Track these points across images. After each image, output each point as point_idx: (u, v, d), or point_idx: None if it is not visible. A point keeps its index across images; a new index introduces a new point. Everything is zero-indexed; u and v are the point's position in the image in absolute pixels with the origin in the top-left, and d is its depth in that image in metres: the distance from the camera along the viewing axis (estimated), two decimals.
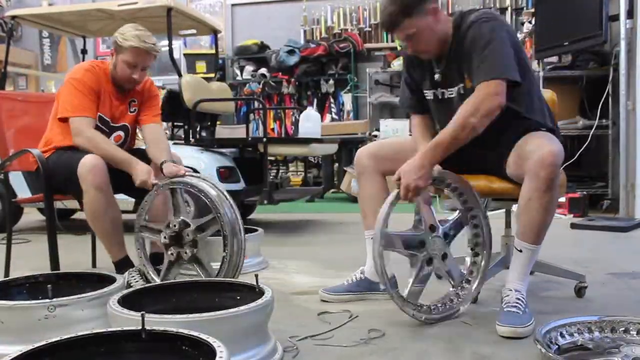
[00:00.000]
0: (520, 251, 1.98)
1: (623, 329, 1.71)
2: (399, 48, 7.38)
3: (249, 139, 4.42)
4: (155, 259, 2.58)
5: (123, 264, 2.41)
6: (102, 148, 2.41)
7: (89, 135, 2.43)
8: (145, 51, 2.49)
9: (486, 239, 2.13)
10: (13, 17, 4.20)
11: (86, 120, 2.45)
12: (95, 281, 1.97)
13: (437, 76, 2.14)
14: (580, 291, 2.31)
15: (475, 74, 1.96)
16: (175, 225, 2.29)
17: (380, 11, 2.09)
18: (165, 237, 2.30)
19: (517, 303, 1.91)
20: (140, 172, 2.37)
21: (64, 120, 2.48)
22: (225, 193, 2.32)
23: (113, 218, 2.40)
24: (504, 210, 2.41)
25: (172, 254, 2.30)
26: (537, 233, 1.95)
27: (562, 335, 1.67)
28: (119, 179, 2.41)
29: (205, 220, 2.27)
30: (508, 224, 2.37)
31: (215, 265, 2.47)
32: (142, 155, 2.60)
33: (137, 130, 2.77)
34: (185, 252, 2.28)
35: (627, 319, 1.72)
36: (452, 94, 2.13)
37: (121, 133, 2.66)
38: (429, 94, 2.21)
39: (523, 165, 1.92)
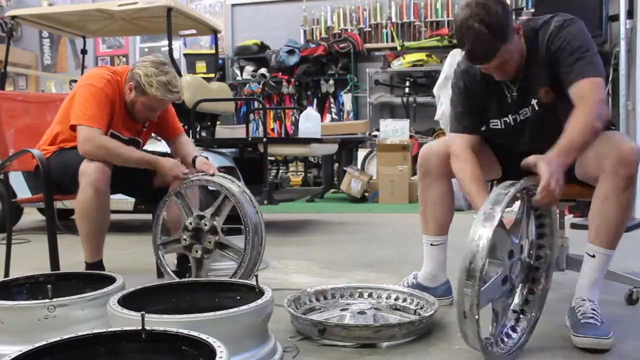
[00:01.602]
0: (593, 256, 1.83)
1: (349, 293, 2.18)
2: (399, 48, 7.38)
3: (249, 139, 4.42)
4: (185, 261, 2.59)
5: (95, 267, 2.39)
6: (119, 153, 2.35)
7: (100, 143, 2.33)
8: (167, 101, 2.46)
9: (551, 250, 1.85)
10: (13, 17, 4.20)
11: (96, 131, 2.36)
12: (95, 281, 1.97)
13: (509, 99, 1.98)
14: (630, 297, 2.18)
15: (577, 70, 1.81)
16: (191, 223, 2.32)
17: (464, 41, 1.80)
18: (185, 239, 2.33)
19: (593, 314, 1.77)
20: (168, 166, 2.36)
21: (73, 127, 2.40)
22: (249, 192, 2.37)
23: (101, 222, 2.37)
24: None
25: (197, 251, 2.32)
26: (613, 236, 1.81)
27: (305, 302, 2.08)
28: (119, 179, 2.41)
29: (217, 205, 2.31)
30: (562, 225, 2.29)
31: (221, 265, 2.49)
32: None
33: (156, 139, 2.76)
34: (209, 242, 2.30)
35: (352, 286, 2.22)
36: (525, 114, 1.98)
37: (131, 147, 2.60)
38: (496, 123, 2.04)
39: (600, 165, 1.79)
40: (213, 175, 2.40)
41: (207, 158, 2.56)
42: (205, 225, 2.30)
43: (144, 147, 2.73)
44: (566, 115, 1.80)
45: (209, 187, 2.48)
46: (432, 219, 2.15)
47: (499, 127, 2.05)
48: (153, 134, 2.74)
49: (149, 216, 3.01)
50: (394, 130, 6.29)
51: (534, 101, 1.95)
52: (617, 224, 1.80)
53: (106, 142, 2.36)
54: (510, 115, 2.01)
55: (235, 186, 2.36)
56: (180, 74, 4.16)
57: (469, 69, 2.03)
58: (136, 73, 2.39)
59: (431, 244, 2.18)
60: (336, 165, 6.87)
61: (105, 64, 8.66)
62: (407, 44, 7.41)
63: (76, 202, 2.34)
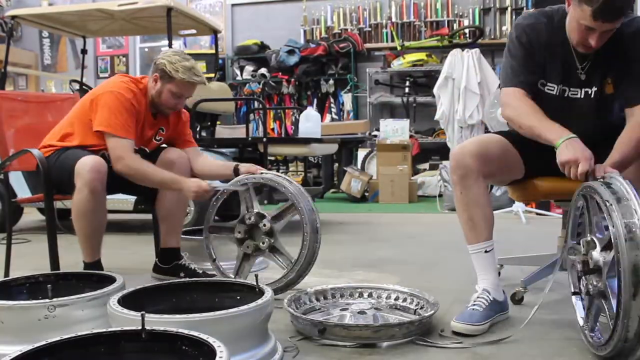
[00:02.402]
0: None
1: (349, 293, 2.19)
2: (399, 48, 7.38)
3: (249, 139, 4.42)
4: (166, 255, 2.60)
5: (93, 267, 2.39)
6: (148, 175, 2.38)
7: (130, 162, 2.37)
8: (194, 85, 2.48)
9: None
10: (13, 17, 4.20)
11: (128, 143, 2.38)
12: (95, 281, 1.97)
13: (579, 71, 1.94)
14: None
15: None
16: (250, 219, 2.34)
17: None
18: (239, 232, 2.35)
19: (477, 302, 1.92)
20: (192, 186, 2.37)
21: (100, 132, 2.41)
22: (303, 189, 2.38)
23: (98, 222, 2.38)
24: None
25: (248, 247, 2.35)
26: None
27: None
28: (118, 179, 2.41)
29: (281, 210, 2.34)
30: (565, 225, 2.30)
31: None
32: (151, 152, 2.61)
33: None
34: (263, 243, 2.32)
35: (352, 286, 2.23)
36: (575, 94, 1.96)
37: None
38: (552, 88, 1.98)
39: None
40: (256, 173, 2.42)
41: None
42: (264, 225, 2.32)
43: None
44: (614, 114, 1.89)
45: (266, 183, 2.45)
46: (481, 221, 1.98)
47: (554, 92, 1.97)
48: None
49: (149, 216, 3.01)
50: (394, 130, 6.29)
51: (594, 88, 1.94)
52: None
53: (135, 163, 2.38)
54: (570, 87, 1.96)
55: (292, 186, 2.37)
56: None
57: (535, 25, 1.96)
58: (160, 63, 2.44)
59: (485, 251, 1.99)
60: (336, 165, 6.87)
61: (106, 64, 8.68)
62: (407, 44, 7.41)
63: (72, 203, 2.35)
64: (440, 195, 5.47)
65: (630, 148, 1.81)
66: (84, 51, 4.78)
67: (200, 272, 2.58)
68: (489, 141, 2.06)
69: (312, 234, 2.27)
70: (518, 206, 4.58)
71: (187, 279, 2.06)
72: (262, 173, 2.42)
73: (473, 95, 5.82)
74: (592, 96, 1.95)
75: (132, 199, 3.13)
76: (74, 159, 2.33)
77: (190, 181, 2.40)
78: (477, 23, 7.45)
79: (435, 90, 6.26)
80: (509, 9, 7.36)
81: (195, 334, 1.26)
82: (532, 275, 2.25)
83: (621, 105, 1.95)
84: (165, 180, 2.41)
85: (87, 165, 2.28)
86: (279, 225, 2.33)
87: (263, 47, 7.83)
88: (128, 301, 1.60)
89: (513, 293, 2.18)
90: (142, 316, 1.29)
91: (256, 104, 6.98)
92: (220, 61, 7.53)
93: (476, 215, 1.98)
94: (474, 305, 1.92)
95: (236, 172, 2.47)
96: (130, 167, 2.37)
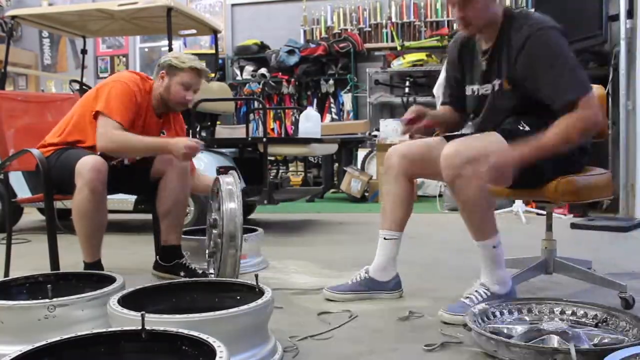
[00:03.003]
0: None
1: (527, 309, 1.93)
2: (399, 48, 7.38)
3: (249, 139, 4.42)
4: (167, 253, 2.61)
5: (93, 267, 2.40)
6: (129, 145, 2.40)
7: (112, 137, 2.38)
8: (201, 72, 2.55)
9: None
10: (13, 17, 4.20)
11: (114, 123, 2.39)
12: (95, 281, 1.97)
13: (481, 67, 2.12)
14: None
15: (569, 90, 1.92)
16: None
17: None
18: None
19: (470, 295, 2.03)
20: (180, 145, 2.37)
21: (95, 115, 2.42)
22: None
23: (98, 222, 2.38)
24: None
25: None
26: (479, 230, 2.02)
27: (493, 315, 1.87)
28: (119, 179, 2.41)
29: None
30: (549, 227, 2.31)
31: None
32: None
33: None
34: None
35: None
36: (487, 90, 2.12)
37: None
38: (468, 90, 2.21)
39: None
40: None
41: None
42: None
43: None
44: (511, 110, 2.03)
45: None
46: (389, 215, 2.26)
47: (470, 94, 2.20)
48: None
49: (149, 216, 3.01)
50: (394, 130, 6.29)
51: (496, 81, 2.08)
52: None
53: (116, 136, 2.38)
54: (477, 86, 2.16)
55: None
56: None
57: (457, 38, 2.25)
58: (165, 60, 2.52)
59: (384, 238, 2.28)
60: (336, 165, 6.87)
61: (106, 64, 8.67)
62: (407, 43, 7.41)
63: (73, 203, 2.35)
64: (440, 195, 5.47)
65: (551, 140, 1.89)
66: (84, 51, 4.78)
67: (200, 272, 2.58)
68: (417, 143, 2.31)
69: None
70: (518, 206, 4.58)
71: (187, 279, 2.06)
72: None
73: None
74: (498, 90, 2.08)
75: (132, 199, 3.13)
76: (75, 159, 2.33)
77: (178, 140, 2.42)
78: None
79: (435, 90, 6.26)
80: None
81: (195, 334, 1.26)
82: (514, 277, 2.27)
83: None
84: (151, 146, 2.43)
85: (87, 165, 2.28)
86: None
87: (263, 47, 7.82)
88: (128, 301, 1.61)
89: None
90: (142, 316, 1.30)
91: (256, 104, 6.98)
92: (220, 61, 7.52)
93: (387, 207, 2.26)
94: (351, 278, 2.31)
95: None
96: (112, 140, 2.38)
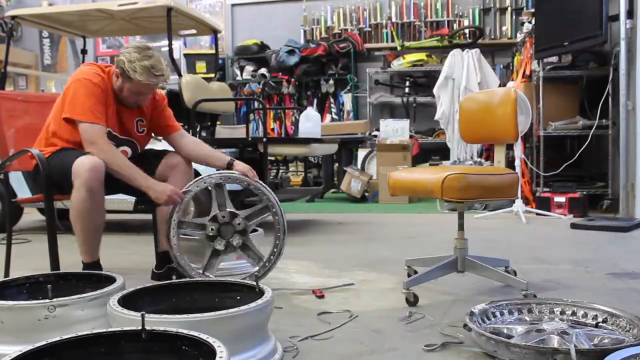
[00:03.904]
0: None
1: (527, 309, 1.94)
2: (399, 48, 7.38)
3: (249, 139, 4.42)
4: (161, 259, 2.60)
5: (92, 267, 2.39)
6: (117, 164, 2.35)
7: (104, 147, 2.35)
8: (152, 86, 2.45)
9: None
10: (13, 17, 4.19)
11: (100, 129, 2.37)
12: (95, 281, 1.97)
13: None
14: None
15: None
16: (224, 217, 2.39)
17: None
18: (212, 229, 2.40)
19: None
20: (161, 192, 2.35)
21: (70, 120, 2.40)
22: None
23: (96, 222, 2.37)
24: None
25: (220, 244, 2.40)
26: None
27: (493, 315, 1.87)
28: (120, 180, 2.41)
29: (253, 211, 2.44)
30: (461, 227, 2.35)
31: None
32: (155, 155, 2.61)
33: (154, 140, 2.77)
34: (234, 241, 2.40)
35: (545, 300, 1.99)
36: None
37: (127, 148, 2.60)
38: None
39: None
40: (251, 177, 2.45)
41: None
42: (239, 224, 2.39)
43: (146, 147, 2.74)
44: None
45: (253, 191, 2.49)
46: None
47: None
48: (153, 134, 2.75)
49: (149, 216, 3.01)
50: (394, 130, 6.29)
51: None
52: None
53: (109, 154, 2.35)
54: None
55: (267, 189, 2.45)
56: (180, 74, 4.17)
57: None
58: (120, 60, 2.41)
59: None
60: (336, 165, 6.87)
61: (106, 64, 8.67)
62: (407, 44, 7.41)
63: (70, 203, 2.34)
64: None
65: None
66: (84, 51, 4.78)
67: (193, 273, 2.57)
68: None
69: (283, 235, 2.42)
70: (518, 206, 4.58)
71: (187, 279, 2.06)
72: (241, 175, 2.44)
73: None
74: None
75: (132, 199, 3.12)
76: (72, 159, 2.32)
77: (161, 186, 2.38)
78: (477, 23, 7.45)
79: (435, 90, 6.26)
80: (509, 9, 7.36)
81: (195, 334, 1.26)
82: (419, 276, 2.32)
83: None
84: (134, 176, 2.38)
85: (85, 165, 2.28)
86: (252, 224, 2.44)
87: (263, 47, 7.83)
88: (128, 301, 1.61)
89: (406, 297, 2.22)
90: (142, 316, 1.30)
91: (256, 104, 6.98)
92: (220, 61, 7.53)
93: None
94: None
95: (229, 166, 2.47)
96: (103, 151, 2.34)
